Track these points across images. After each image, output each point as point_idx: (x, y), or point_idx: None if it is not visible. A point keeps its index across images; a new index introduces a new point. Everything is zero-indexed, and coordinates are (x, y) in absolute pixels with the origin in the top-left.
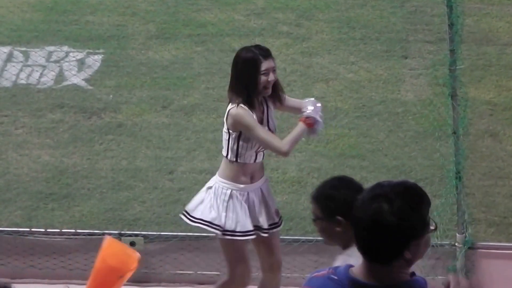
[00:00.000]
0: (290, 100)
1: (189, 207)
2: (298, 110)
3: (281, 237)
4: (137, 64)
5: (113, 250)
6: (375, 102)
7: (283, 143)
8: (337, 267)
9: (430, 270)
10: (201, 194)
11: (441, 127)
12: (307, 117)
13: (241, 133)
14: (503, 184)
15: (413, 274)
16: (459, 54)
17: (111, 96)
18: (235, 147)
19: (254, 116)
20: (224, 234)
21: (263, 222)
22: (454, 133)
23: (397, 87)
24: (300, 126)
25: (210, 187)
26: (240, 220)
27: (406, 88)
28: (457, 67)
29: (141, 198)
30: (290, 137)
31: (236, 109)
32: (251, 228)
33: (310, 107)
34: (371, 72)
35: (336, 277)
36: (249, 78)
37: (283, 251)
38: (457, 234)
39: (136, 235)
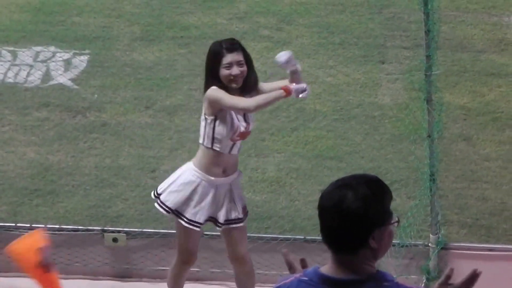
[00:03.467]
0: (266, 85)
1: (160, 187)
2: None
3: (259, 235)
4: (121, 65)
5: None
6: (353, 105)
7: (249, 101)
8: (305, 270)
9: (403, 269)
10: (171, 178)
11: (417, 131)
12: (288, 88)
13: (216, 118)
14: (476, 187)
15: (378, 271)
16: (435, 60)
17: (96, 95)
18: (211, 133)
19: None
20: (176, 216)
21: (221, 216)
22: (429, 136)
23: (374, 91)
24: (278, 92)
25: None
26: (194, 210)
27: (383, 92)
28: (432, 73)
29: (124, 195)
30: (260, 96)
31: (209, 90)
32: (201, 221)
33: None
34: (349, 76)
35: (306, 278)
36: (212, 71)
37: (261, 249)
38: (430, 235)
39: (119, 231)
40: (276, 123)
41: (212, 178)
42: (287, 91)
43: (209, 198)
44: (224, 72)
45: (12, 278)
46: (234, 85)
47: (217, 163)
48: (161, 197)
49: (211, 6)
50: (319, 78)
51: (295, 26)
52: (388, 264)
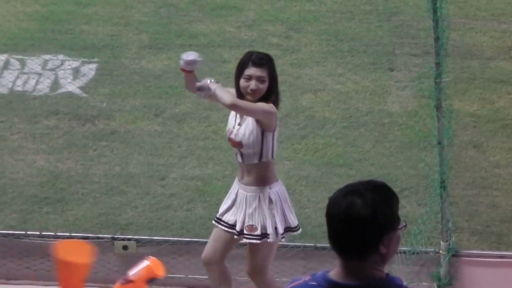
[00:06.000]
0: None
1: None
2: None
3: None
4: (130, 73)
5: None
6: (362, 113)
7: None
8: (314, 274)
9: (414, 276)
10: None
11: (426, 138)
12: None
13: None
14: (486, 194)
15: (387, 275)
16: (444, 67)
17: (105, 103)
18: None
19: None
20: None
21: (238, 224)
22: (439, 143)
23: (383, 99)
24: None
25: None
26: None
27: (392, 100)
28: (442, 80)
29: (134, 203)
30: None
31: None
32: (217, 214)
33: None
34: (358, 83)
35: (314, 283)
36: (235, 77)
37: None
38: (441, 242)
39: (129, 239)
40: (285, 130)
41: (236, 179)
42: (181, 69)
43: (232, 195)
44: (242, 82)
45: (22, 285)
46: (249, 98)
47: (238, 166)
48: None
49: (220, 14)
50: (328, 85)
51: (304, 34)
52: (399, 271)
